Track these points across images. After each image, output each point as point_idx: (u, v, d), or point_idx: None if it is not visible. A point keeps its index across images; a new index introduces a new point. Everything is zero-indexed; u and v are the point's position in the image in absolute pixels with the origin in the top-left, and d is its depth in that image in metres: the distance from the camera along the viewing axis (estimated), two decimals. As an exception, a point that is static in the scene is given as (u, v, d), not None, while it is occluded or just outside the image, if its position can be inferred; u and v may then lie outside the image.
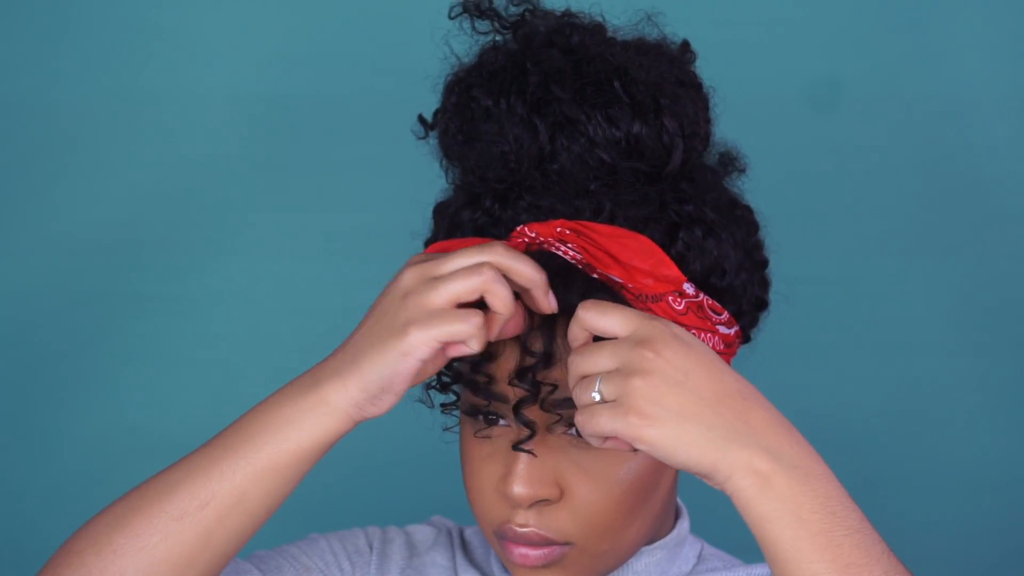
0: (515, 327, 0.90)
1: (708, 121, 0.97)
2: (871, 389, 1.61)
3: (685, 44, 0.99)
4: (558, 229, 0.90)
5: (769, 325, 0.99)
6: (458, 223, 0.95)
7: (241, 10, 1.62)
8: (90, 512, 0.93)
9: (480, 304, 0.88)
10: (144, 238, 1.61)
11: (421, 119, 0.99)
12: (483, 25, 0.97)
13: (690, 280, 0.91)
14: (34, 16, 1.61)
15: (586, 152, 0.91)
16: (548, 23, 0.96)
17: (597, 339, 0.87)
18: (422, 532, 1.10)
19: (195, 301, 1.61)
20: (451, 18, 0.97)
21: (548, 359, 0.91)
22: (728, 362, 0.93)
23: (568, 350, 0.89)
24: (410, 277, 0.89)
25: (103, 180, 1.61)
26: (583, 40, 0.94)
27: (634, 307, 0.89)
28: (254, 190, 1.62)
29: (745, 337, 0.97)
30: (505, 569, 1.05)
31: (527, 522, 0.93)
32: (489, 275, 0.87)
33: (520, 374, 0.91)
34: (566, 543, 0.94)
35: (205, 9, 1.61)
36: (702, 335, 0.91)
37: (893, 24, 1.60)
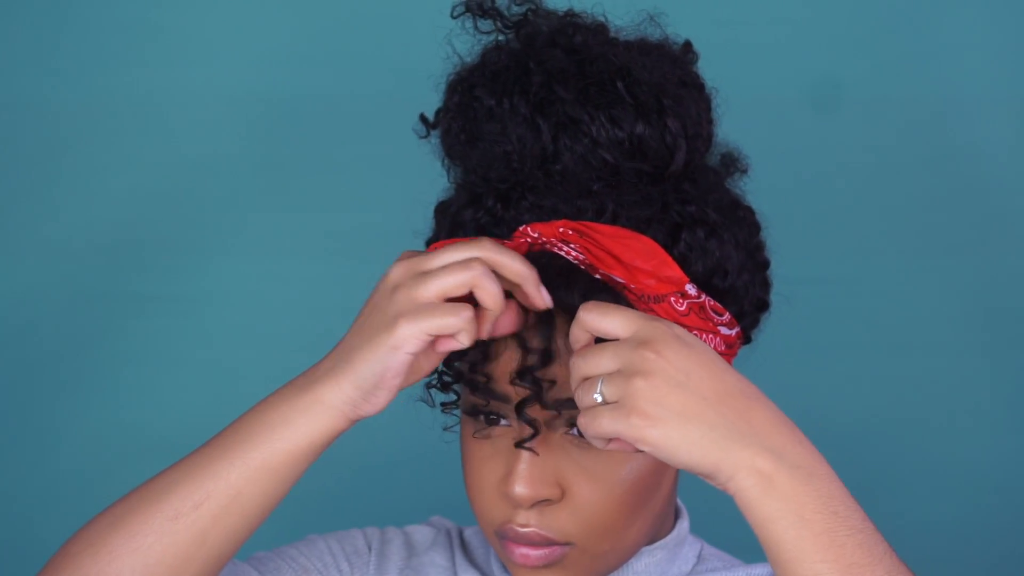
0: (509, 324, 0.90)
1: (710, 122, 0.97)
2: (872, 389, 1.61)
3: (687, 44, 0.99)
4: (560, 229, 0.90)
5: (770, 326, 0.99)
6: (460, 223, 0.94)
7: (241, 10, 1.62)
8: (89, 513, 0.93)
9: (472, 302, 0.88)
10: (144, 238, 1.61)
11: (423, 118, 0.98)
12: (485, 25, 0.97)
13: (692, 281, 0.91)
14: (34, 16, 1.61)
15: (589, 152, 0.91)
16: (551, 23, 0.96)
17: (599, 340, 0.87)
18: (421, 532, 1.10)
19: (195, 301, 1.61)
20: (453, 17, 0.97)
21: (547, 356, 0.90)
22: (729, 363, 0.93)
23: (568, 348, 0.89)
24: (399, 272, 0.89)
25: (103, 180, 1.61)
26: (586, 40, 0.94)
27: (636, 308, 0.89)
28: (254, 190, 1.62)
29: (746, 338, 0.97)
30: (505, 569, 1.05)
31: (528, 522, 0.93)
32: (478, 270, 0.87)
33: (521, 373, 0.91)
34: (567, 543, 0.94)
35: (205, 9, 1.61)
36: (704, 336, 0.91)
37: (894, 25, 1.60)
